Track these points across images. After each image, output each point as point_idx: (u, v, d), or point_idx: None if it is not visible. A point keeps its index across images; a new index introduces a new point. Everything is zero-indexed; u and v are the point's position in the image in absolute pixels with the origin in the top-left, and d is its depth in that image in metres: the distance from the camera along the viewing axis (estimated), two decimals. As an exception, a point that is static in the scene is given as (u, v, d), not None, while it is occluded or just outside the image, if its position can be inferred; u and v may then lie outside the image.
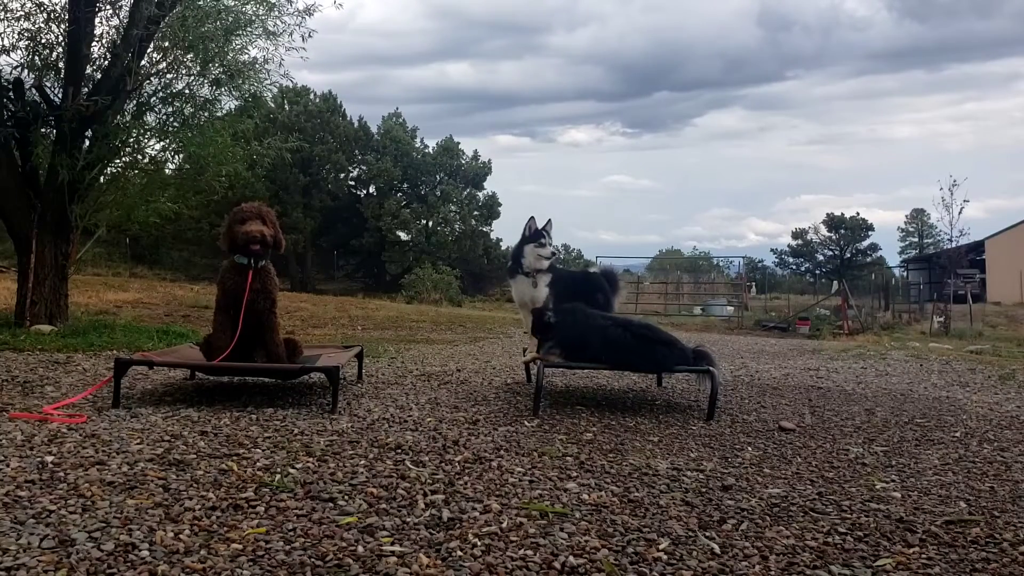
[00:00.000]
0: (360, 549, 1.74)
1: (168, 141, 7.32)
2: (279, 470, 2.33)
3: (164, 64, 6.85)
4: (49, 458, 2.34)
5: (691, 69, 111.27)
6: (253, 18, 6.91)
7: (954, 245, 20.16)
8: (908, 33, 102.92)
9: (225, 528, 1.83)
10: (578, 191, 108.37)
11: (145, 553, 1.66)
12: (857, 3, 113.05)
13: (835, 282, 31.59)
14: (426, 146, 38.94)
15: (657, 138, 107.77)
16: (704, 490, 2.34)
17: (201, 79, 7.02)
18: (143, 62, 6.57)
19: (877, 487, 2.46)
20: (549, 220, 4.26)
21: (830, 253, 63.65)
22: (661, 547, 1.83)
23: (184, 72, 6.95)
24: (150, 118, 7.24)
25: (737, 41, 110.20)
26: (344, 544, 1.76)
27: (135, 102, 6.96)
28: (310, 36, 7.08)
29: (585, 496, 2.21)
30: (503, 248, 41.31)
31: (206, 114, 7.25)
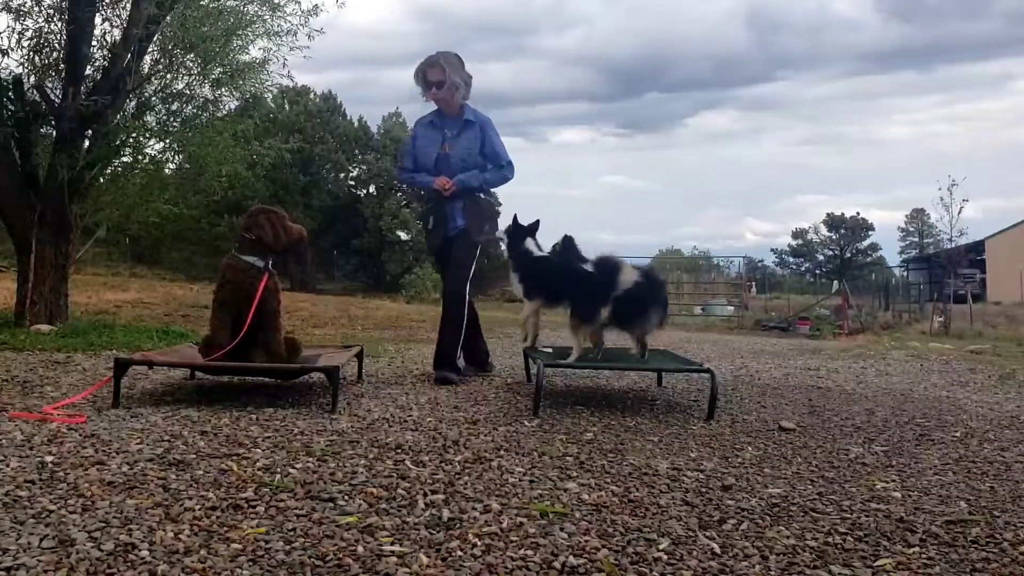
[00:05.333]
0: (360, 549, 1.74)
1: (168, 141, 7.32)
2: (279, 470, 2.33)
3: (164, 64, 6.85)
4: (49, 458, 2.34)
5: (681, 70, 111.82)
6: (255, 18, 6.91)
7: (954, 245, 20.17)
8: (897, 34, 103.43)
9: (225, 528, 1.83)
10: (574, 191, 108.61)
11: (145, 553, 1.66)
12: (845, 4, 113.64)
13: (835, 282, 31.59)
14: (426, 146, 38.86)
15: (650, 139, 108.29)
16: (704, 490, 2.34)
17: (202, 79, 7.03)
18: (143, 62, 6.57)
19: (877, 487, 2.46)
20: None
21: (830, 253, 63.70)
22: (661, 547, 1.83)
23: (184, 72, 6.95)
24: (150, 118, 7.24)
25: (726, 42, 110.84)
26: (344, 544, 1.76)
27: (135, 102, 6.96)
28: (313, 36, 7.08)
29: (585, 496, 2.21)
30: (503, 249, 41.24)
31: (206, 114, 7.25)
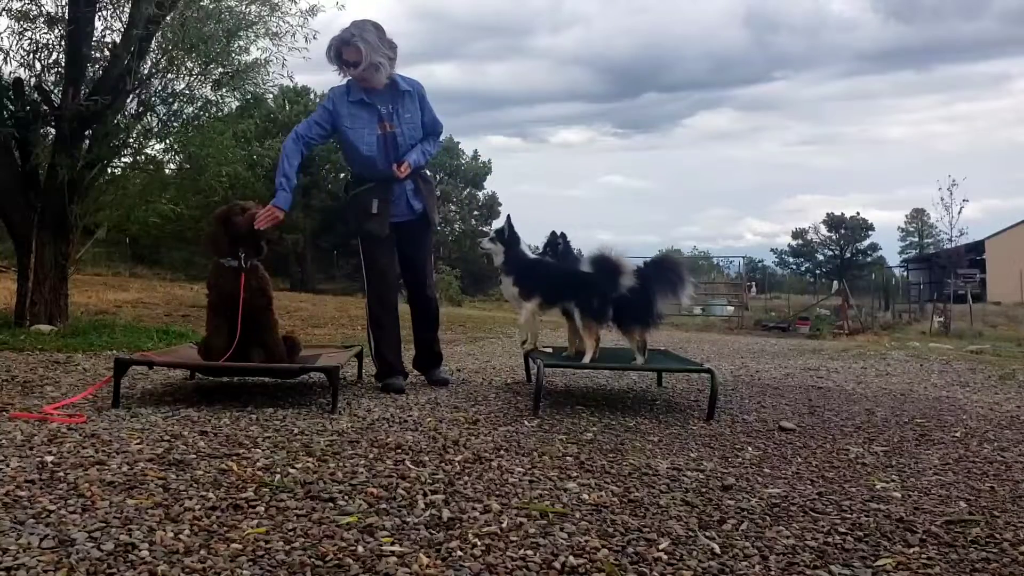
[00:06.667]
0: (360, 549, 1.74)
1: (169, 141, 7.32)
2: (279, 470, 2.33)
3: (164, 64, 6.85)
4: (49, 458, 2.34)
5: (678, 70, 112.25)
6: (255, 19, 6.91)
7: (954, 245, 20.18)
8: (895, 34, 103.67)
9: (225, 528, 1.83)
10: (573, 191, 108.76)
11: (145, 553, 1.66)
12: (843, 4, 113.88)
13: (835, 282, 31.59)
14: (426, 146, 38.89)
15: (648, 139, 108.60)
16: (704, 490, 2.34)
17: (202, 79, 7.03)
18: (143, 62, 6.57)
19: (877, 487, 2.46)
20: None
21: (830, 253, 63.70)
22: (661, 547, 1.83)
23: (185, 72, 6.96)
24: (151, 118, 7.24)
25: (724, 42, 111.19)
26: (344, 544, 1.76)
27: (135, 102, 6.97)
28: (314, 38, 7.07)
29: (585, 496, 2.21)
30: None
31: (207, 115, 7.25)
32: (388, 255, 4.12)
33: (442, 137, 4.43)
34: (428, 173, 4.38)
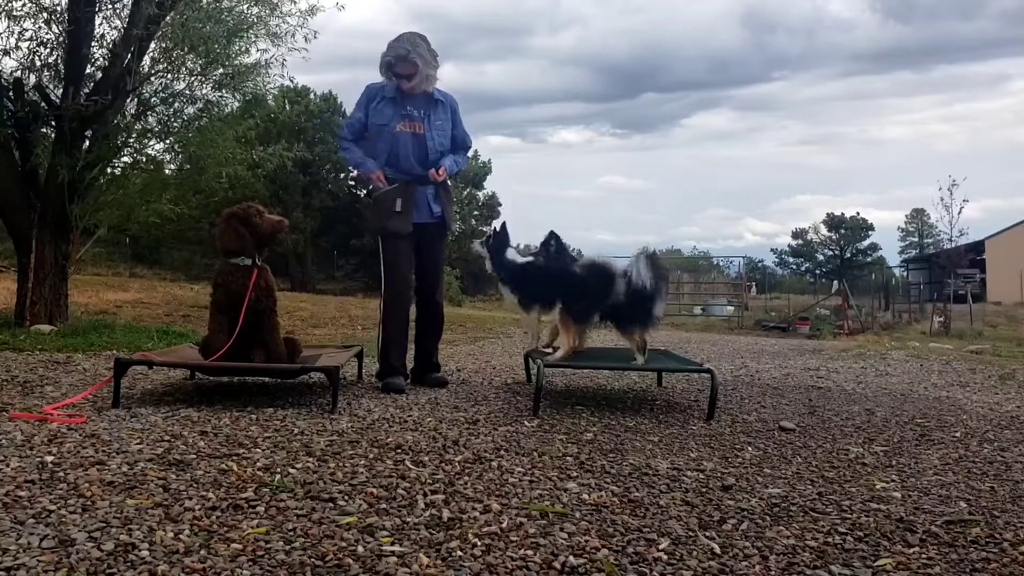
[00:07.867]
0: (360, 549, 1.74)
1: (169, 142, 7.33)
2: (279, 470, 2.33)
3: (164, 64, 6.85)
4: (49, 458, 2.34)
5: (676, 71, 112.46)
6: (256, 20, 6.91)
7: (954, 245, 20.16)
8: (893, 34, 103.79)
9: (225, 528, 1.83)
10: (572, 191, 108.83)
11: (145, 553, 1.66)
12: (840, 5, 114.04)
13: (835, 282, 31.59)
14: (426, 146, 38.91)
15: (647, 139, 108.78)
16: (704, 490, 2.34)
17: (203, 79, 7.03)
18: (143, 62, 6.56)
19: (877, 487, 2.46)
20: None
21: (830, 253, 63.70)
22: (661, 547, 1.83)
23: (185, 73, 6.96)
24: (151, 118, 7.24)
25: (721, 43, 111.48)
26: (344, 544, 1.76)
27: (135, 102, 6.97)
28: (314, 37, 7.08)
29: (585, 496, 2.21)
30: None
31: (207, 116, 7.25)
32: (407, 255, 4.19)
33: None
34: (448, 182, 4.45)
